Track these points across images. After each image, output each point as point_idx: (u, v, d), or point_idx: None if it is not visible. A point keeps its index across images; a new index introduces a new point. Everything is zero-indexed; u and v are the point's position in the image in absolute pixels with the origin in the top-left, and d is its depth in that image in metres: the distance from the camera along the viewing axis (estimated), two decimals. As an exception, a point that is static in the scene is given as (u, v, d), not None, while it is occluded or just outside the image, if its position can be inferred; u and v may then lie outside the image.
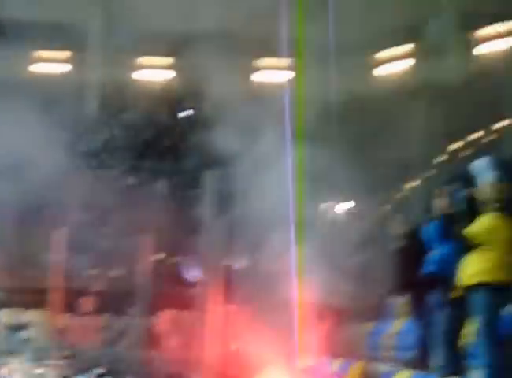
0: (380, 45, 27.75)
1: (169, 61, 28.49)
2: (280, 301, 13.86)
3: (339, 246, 17.56)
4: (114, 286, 20.27)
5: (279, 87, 27.62)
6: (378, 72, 28.58)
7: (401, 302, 12.27)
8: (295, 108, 24.84)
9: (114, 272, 21.21)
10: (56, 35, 25.71)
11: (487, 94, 21.91)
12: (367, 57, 28.30)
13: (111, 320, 18.30)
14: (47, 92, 24.44)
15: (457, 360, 8.87)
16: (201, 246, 19.14)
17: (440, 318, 9.09)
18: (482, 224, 8.12)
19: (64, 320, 17.89)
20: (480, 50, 26.64)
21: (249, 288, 15.86)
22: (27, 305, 17.87)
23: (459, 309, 8.66)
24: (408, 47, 28.17)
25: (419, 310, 10.50)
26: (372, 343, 13.43)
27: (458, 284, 8.30)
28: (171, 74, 28.58)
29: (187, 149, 24.97)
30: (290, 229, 16.03)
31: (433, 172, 22.85)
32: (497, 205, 8.18)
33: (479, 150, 21.72)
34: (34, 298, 17.93)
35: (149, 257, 19.22)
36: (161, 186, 24.60)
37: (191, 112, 26.39)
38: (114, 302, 18.50)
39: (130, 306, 18.34)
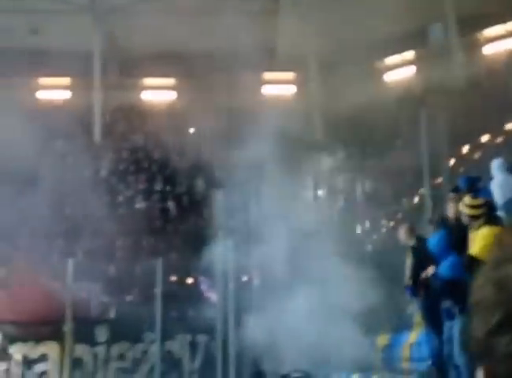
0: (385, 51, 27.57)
1: (171, 81, 28.49)
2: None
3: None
4: (128, 313, 20.04)
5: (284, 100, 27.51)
6: (385, 78, 28.37)
7: (417, 312, 11.96)
8: (305, 120, 24.90)
9: (128, 299, 20.98)
10: (59, 62, 25.71)
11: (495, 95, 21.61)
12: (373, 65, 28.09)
13: (127, 348, 18.06)
14: (52, 119, 24.40)
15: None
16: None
17: (457, 327, 8.76)
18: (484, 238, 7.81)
19: (78, 351, 17.68)
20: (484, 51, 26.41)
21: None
22: (40, 338, 17.68)
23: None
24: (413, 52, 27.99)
25: (435, 320, 10.18)
26: (389, 355, 13.16)
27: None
28: (174, 94, 28.60)
29: (196, 169, 24.81)
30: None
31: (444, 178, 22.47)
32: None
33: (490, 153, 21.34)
34: (46, 329, 17.76)
35: (163, 281, 18.94)
36: (172, 209, 24.44)
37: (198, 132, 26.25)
38: (129, 329, 18.28)
39: (146, 333, 18.12)
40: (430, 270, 9.17)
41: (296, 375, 14.67)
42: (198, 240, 18.60)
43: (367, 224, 22.08)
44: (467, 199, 8.34)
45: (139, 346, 18.04)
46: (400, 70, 28.17)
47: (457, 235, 8.82)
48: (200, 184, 24.39)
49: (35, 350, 17.59)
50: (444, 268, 8.91)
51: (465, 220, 8.26)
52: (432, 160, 22.35)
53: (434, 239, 9.47)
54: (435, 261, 9.30)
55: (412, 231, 11.08)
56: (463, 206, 8.24)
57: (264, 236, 15.92)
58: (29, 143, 19.90)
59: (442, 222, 9.55)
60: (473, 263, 7.73)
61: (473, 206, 8.11)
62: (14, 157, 19.87)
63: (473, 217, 8.05)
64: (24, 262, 18.70)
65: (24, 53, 25.50)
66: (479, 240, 7.87)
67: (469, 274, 8.01)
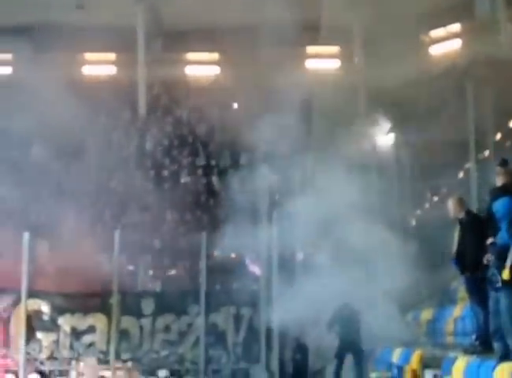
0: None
1: (215, 56, 28.52)
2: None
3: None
4: (173, 286, 20.30)
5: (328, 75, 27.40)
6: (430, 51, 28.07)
7: (461, 286, 11.93)
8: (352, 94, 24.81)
9: (174, 272, 21.23)
10: (104, 37, 25.86)
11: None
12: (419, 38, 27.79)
13: (172, 320, 18.32)
14: (98, 94, 24.63)
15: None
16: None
17: (503, 302, 8.73)
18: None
19: (125, 322, 17.98)
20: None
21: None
22: (88, 310, 18.03)
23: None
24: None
25: (479, 294, 10.15)
26: (433, 330, 13.16)
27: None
28: (217, 69, 28.64)
29: (241, 144, 24.87)
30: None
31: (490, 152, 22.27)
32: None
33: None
34: (94, 301, 18.09)
35: (208, 254, 19.10)
36: (217, 182, 24.57)
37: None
38: (174, 301, 18.54)
39: (191, 305, 18.35)
40: (490, 239, 9.12)
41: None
42: (241, 214, 18.70)
43: (411, 198, 21.99)
44: None
45: (184, 318, 18.26)
46: (446, 43, 27.84)
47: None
48: (243, 159, 24.47)
49: (83, 322, 17.93)
50: (504, 232, 8.87)
51: None
52: (478, 134, 22.19)
53: (498, 203, 9.38)
54: (497, 226, 9.20)
55: (461, 203, 10.96)
56: None
57: (306, 210, 15.97)
58: (76, 118, 20.15)
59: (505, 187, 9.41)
60: None
61: None
62: (62, 132, 20.16)
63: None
64: (71, 235, 19.01)
65: (69, 28, 25.69)
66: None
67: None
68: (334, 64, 28.84)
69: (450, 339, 12.10)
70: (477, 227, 10.08)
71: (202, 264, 18.08)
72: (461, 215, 10.74)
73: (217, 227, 21.09)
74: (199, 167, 25.09)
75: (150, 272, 20.98)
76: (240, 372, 17.65)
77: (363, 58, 27.69)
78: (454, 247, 10.65)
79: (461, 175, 23.16)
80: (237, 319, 18.32)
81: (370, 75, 26.44)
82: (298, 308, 14.62)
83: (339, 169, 18.16)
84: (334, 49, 28.82)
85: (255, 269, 19.95)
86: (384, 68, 25.69)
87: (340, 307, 15.32)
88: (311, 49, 28.46)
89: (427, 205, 23.04)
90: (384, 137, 24.13)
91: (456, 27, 27.76)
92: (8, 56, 26.75)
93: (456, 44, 27.71)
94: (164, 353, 18.02)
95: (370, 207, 16.53)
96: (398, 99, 23.97)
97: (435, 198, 22.51)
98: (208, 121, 26.28)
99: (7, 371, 16.93)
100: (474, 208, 12.60)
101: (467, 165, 22.26)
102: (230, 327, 18.28)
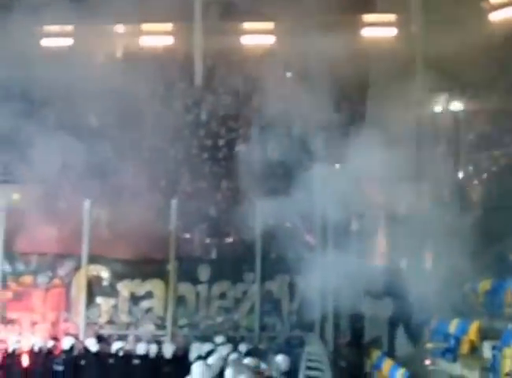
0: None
1: (270, 25, 28.32)
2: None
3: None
4: (229, 253, 20.47)
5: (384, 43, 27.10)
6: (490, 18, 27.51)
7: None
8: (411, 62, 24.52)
9: (229, 240, 21.40)
10: (161, 7, 25.88)
11: None
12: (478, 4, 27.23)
13: (228, 287, 18.52)
14: (154, 64, 24.72)
15: None
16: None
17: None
18: None
19: (182, 289, 18.26)
20: None
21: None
22: (146, 276, 18.33)
23: None
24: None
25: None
26: (491, 300, 13.08)
27: None
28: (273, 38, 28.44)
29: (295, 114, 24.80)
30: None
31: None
32: None
33: None
34: (152, 268, 18.38)
35: (263, 223, 19.19)
36: (271, 152, 24.58)
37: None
38: (230, 269, 18.72)
39: (246, 273, 18.51)
40: None
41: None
42: (296, 183, 18.72)
43: (470, 167, 21.72)
44: None
45: (240, 285, 18.48)
46: (506, 9, 27.25)
47: None
48: (297, 128, 24.41)
49: (141, 288, 18.29)
50: None
51: None
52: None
53: None
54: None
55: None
56: None
57: (361, 179, 15.92)
58: (133, 88, 20.32)
59: None
60: None
61: None
62: (120, 102, 20.34)
63: None
64: (130, 203, 19.29)
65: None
66: None
67: None
68: (391, 32, 28.48)
69: (509, 311, 12.03)
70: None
71: (257, 233, 18.21)
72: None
73: (272, 196, 21.19)
74: (253, 137, 25.11)
75: (206, 240, 21.17)
76: (295, 339, 17.79)
77: (420, 26, 27.26)
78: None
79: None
80: (292, 287, 18.44)
81: (427, 43, 26.06)
82: (353, 277, 14.62)
83: (395, 137, 18.04)
84: (391, 16, 28.43)
85: (310, 238, 19.99)
86: (441, 35, 25.28)
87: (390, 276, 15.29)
88: (367, 17, 28.11)
89: (486, 175, 22.72)
90: (442, 105, 23.84)
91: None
92: (68, 27, 26.98)
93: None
94: (219, 319, 18.29)
95: (428, 176, 16.41)
96: (455, 67, 23.62)
97: (494, 168, 22.18)
98: (262, 91, 26.24)
99: (68, 334, 17.39)
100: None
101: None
102: (285, 295, 18.43)
